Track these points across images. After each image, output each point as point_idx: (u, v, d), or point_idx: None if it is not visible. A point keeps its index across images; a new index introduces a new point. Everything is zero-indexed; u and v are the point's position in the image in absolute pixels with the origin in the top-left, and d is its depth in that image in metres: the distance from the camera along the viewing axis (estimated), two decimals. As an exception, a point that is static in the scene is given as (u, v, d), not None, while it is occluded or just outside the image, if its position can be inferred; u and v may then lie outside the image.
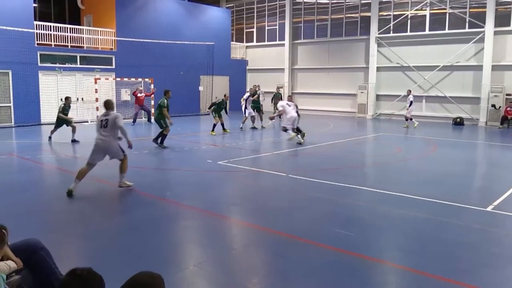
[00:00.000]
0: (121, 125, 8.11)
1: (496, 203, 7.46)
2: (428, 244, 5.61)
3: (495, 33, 20.95)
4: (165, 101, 13.27)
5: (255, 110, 19.00)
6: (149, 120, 21.01)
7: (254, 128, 18.59)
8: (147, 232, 6.02)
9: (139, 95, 20.80)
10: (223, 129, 16.91)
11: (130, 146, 8.31)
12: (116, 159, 8.34)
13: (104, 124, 8.15)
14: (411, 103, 19.86)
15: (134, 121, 20.84)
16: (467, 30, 21.90)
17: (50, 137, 14.29)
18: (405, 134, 17.71)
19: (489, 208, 7.16)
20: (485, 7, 21.19)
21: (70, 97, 15.05)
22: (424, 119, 23.00)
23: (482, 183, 9.89)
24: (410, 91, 20.63)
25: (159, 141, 13.26)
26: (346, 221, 6.50)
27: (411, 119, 19.93)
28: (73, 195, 7.66)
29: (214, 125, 16.68)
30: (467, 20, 21.91)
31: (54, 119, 14.98)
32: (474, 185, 9.74)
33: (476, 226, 6.37)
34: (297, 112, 14.51)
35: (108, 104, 8.44)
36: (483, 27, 21.17)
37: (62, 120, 14.30)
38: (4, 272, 3.22)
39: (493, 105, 21.05)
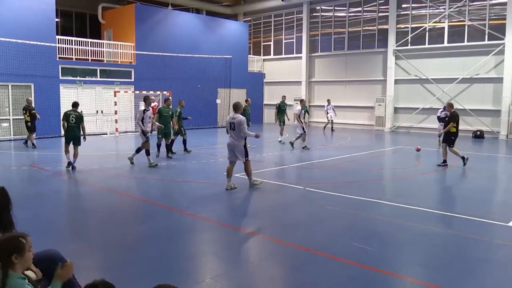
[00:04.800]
0: (244, 129, 9.06)
1: (519, 218, 7.28)
2: (450, 260, 5.49)
3: (516, 45, 20.67)
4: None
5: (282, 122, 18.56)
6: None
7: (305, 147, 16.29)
8: (164, 244, 6.02)
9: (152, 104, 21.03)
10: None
11: (257, 136, 9.39)
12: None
13: (232, 127, 9.15)
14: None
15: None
16: (486, 42, 21.65)
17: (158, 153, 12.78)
18: (424, 147, 17.44)
19: (511, 223, 6.99)
20: (504, 19, 20.94)
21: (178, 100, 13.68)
22: (444, 132, 22.65)
23: (503, 198, 9.66)
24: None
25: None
26: (365, 235, 6.41)
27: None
28: (235, 188, 9.31)
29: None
30: (486, 32, 21.66)
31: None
32: (495, 199, 9.52)
33: (498, 241, 6.22)
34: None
35: (236, 107, 9.39)
36: (503, 39, 20.89)
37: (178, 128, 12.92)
38: (31, 282, 3.25)
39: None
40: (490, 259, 5.54)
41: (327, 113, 24.33)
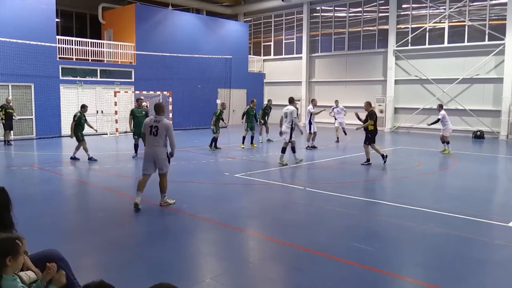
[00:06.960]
0: (172, 137, 7.67)
1: (519, 218, 7.28)
2: (450, 260, 5.49)
3: (516, 45, 20.66)
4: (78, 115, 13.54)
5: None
6: None
7: (313, 147, 16.42)
8: (164, 244, 6.02)
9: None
10: (251, 142, 16.85)
11: (171, 155, 7.88)
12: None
13: (155, 132, 7.66)
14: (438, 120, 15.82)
15: None
16: (486, 42, 21.65)
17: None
18: (424, 148, 17.46)
19: (511, 224, 6.99)
20: (505, 19, 20.94)
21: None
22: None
23: (503, 198, 9.65)
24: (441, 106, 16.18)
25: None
26: (365, 235, 6.41)
27: (447, 142, 15.53)
28: (139, 208, 7.63)
29: (244, 138, 16.74)
30: (486, 32, 21.66)
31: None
32: (495, 200, 9.52)
33: (498, 242, 6.22)
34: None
35: (159, 108, 7.84)
36: (503, 39, 20.89)
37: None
38: (24, 282, 3.25)
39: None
40: (490, 260, 5.54)
41: (335, 118, 19.46)
